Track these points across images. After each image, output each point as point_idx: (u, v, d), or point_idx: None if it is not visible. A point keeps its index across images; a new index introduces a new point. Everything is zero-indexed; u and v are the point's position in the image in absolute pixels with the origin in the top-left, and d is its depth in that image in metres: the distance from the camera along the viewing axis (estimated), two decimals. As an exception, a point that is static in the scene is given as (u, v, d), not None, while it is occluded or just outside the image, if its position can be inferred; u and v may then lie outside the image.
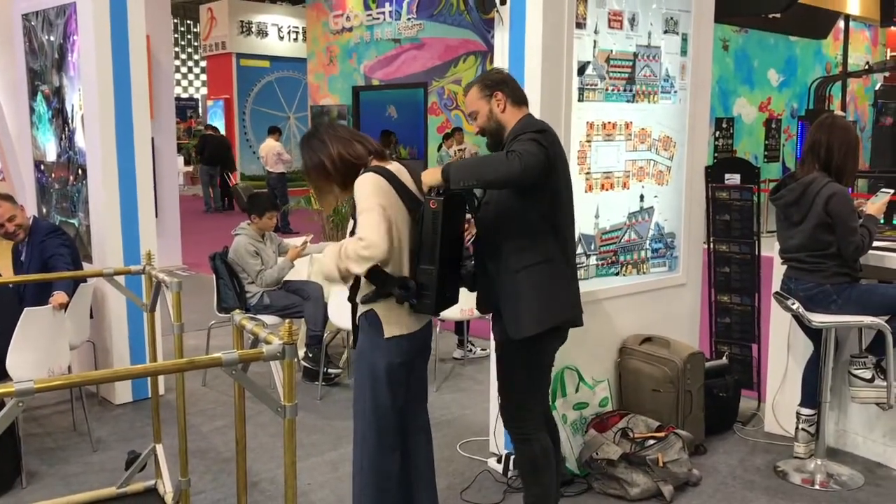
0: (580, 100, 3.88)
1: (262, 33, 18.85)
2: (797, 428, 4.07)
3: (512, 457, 3.84)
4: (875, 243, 3.85)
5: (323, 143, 2.89)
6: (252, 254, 5.21)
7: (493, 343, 3.25)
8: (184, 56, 27.46)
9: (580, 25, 3.83)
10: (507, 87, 3.02)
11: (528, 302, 2.94)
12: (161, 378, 4.71)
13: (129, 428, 4.56)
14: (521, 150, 2.75)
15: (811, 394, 4.01)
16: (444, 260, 2.77)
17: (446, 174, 2.75)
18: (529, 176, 2.76)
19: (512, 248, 2.95)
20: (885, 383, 3.74)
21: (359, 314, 2.93)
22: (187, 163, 20.45)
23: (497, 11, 3.80)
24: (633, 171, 4.20)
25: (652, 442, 3.74)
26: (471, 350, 5.88)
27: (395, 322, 2.84)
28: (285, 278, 5.33)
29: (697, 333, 4.69)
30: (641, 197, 4.27)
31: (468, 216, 3.06)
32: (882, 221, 4.79)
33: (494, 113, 3.01)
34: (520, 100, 3.05)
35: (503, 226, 2.96)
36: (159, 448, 3.70)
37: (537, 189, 2.88)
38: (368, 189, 2.74)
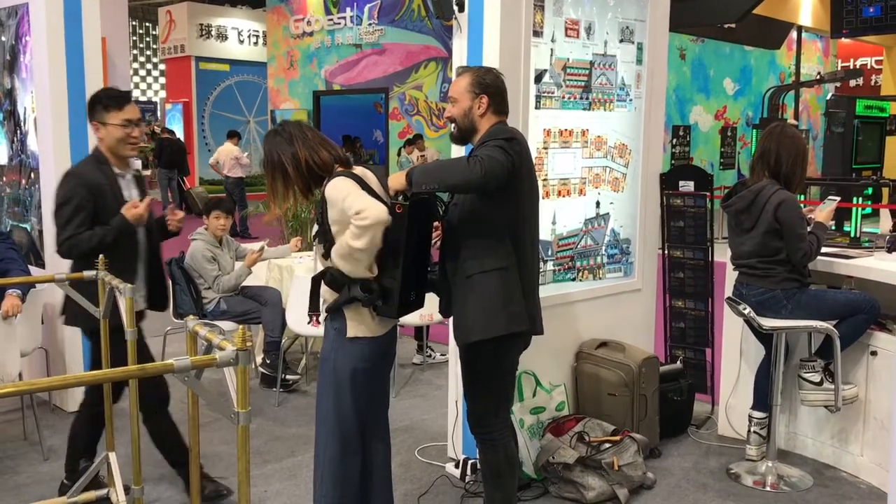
0: (537, 107, 3.92)
1: (222, 37, 18.69)
2: (749, 431, 4.14)
3: (470, 461, 3.86)
4: (824, 250, 3.95)
5: (290, 143, 2.86)
6: (209, 259, 5.16)
7: (450, 347, 3.26)
8: (142, 59, 27.08)
9: (537, 34, 3.87)
10: (496, 95, 3.02)
11: (475, 308, 2.95)
12: (115, 385, 4.64)
13: (81, 436, 4.47)
14: (484, 156, 2.78)
15: (762, 397, 4.09)
16: (408, 264, 2.78)
17: (410, 178, 2.78)
18: (490, 181, 2.78)
19: (469, 253, 2.97)
20: (833, 386, 3.83)
21: (323, 317, 2.93)
22: (145, 167, 20.17)
23: (455, 18, 3.82)
24: (589, 177, 4.25)
25: (607, 446, 3.78)
26: (430, 355, 5.89)
27: (360, 325, 2.85)
28: (243, 284, 5.29)
29: (652, 338, 4.76)
30: (597, 203, 4.32)
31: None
32: (833, 228, 4.91)
33: (473, 112, 3.01)
34: (501, 110, 3.06)
35: (464, 230, 2.98)
36: (112, 456, 3.63)
37: (500, 196, 2.90)
38: (344, 187, 2.74)
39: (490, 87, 3.02)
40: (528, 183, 3.01)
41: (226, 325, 5.03)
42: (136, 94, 25.64)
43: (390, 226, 2.75)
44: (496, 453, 3.13)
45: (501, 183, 2.83)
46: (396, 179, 2.83)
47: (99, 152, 3.49)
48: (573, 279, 4.26)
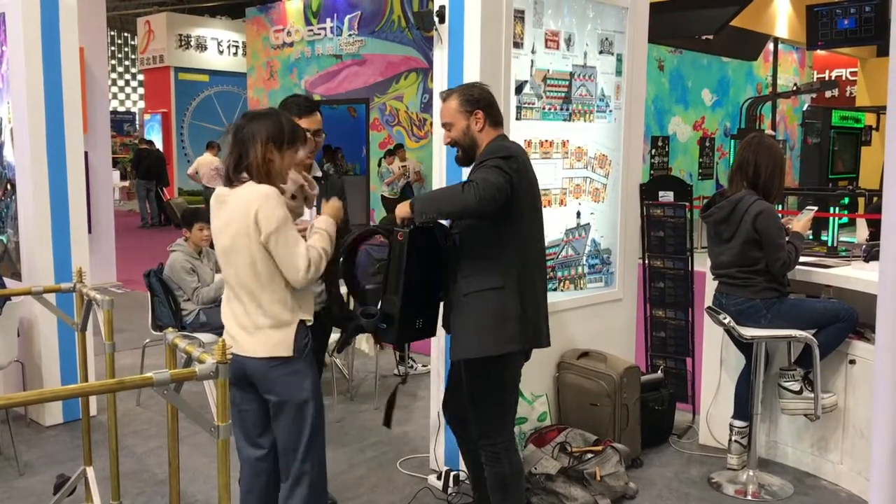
0: (518, 118, 3.93)
1: (201, 47, 18.62)
2: (730, 440, 4.16)
3: (452, 473, 3.85)
4: (802, 259, 3.98)
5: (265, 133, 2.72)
6: (188, 271, 5.12)
7: (432, 358, 3.25)
8: (121, 69, 26.97)
9: (517, 45, 3.88)
10: (489, 107, 3.03)
11: (468, 327, 2.97)
12: (93, 398, 4.59)
13: (59, 450, 4.42)
14: (480, 180, 2.78)
15: (743, 406, 4.11)
16: (412, 290, 2.80)
17: (412, 207, 2.82)
18: (486, 206, 2.78)
19: (465, 271, 2.98)
20: (812, 395, 3.85)
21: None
22: (123, 178, 20.05)
23: (436, 30, 3.83)
24: (569, 188, 4.26)
25: (589, 456, 3.78)
26: (412, 366, 5.87)
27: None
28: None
29: (633, 348, 4.77)
30: (578, 214, 4.34)
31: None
32: (811, 237, 4.96)
33: (472, 130, 3.02)
34: (497, 121, 3.06)
35: (462, 249, 2.99)
36: (90, 471, 3.59)
37: (499, 215, 2.89)
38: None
39: (480, 100, 3.03)
40: (529, 198, 3.00)
41: (205, 337, 4.98)
42: (114, 104, 25.54)
43: (392, 253, 2.79)
44: (500, 465, 3.11)
45: (499, 205, 2.83)
46: (402, 208, 2.87)
47: None
48: (554, 289, 4.26)
